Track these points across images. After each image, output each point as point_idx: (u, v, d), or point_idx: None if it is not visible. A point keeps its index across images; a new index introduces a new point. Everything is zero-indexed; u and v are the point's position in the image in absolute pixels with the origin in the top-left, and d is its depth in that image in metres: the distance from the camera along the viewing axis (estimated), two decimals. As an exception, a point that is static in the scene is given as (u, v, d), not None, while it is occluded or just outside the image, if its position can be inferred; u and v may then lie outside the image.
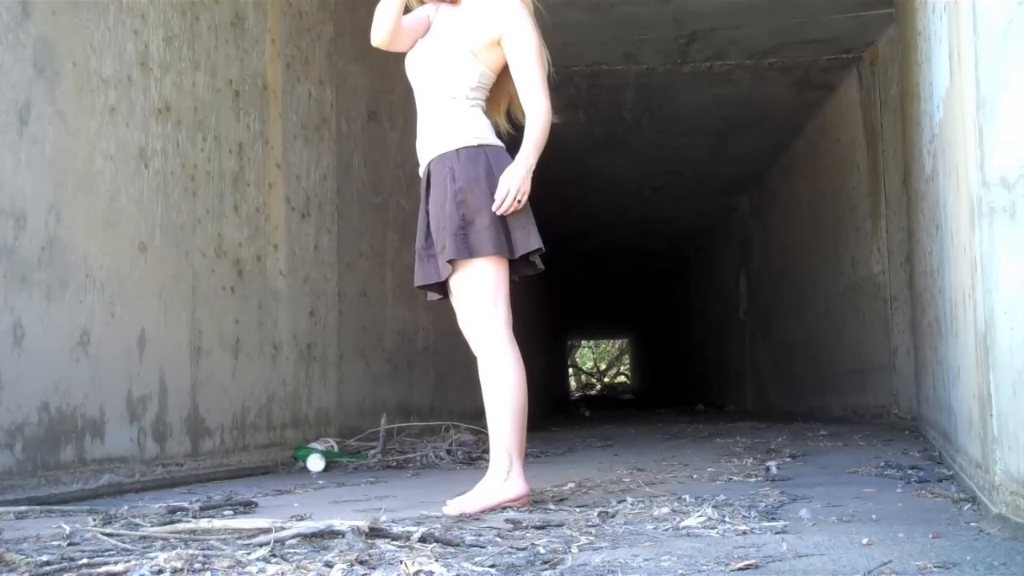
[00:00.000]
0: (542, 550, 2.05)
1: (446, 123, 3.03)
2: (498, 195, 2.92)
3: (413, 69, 3.14)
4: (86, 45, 3.56)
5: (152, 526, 2.43)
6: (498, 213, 2.92)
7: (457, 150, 2.99)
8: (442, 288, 3.07)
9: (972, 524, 2.31)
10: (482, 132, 3.03)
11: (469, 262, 2.94)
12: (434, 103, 3.07)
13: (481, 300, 2.96)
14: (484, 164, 2.96)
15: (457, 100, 3.03)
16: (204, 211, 4.26)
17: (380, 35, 3.11)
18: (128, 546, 2.13)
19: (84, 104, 3.54)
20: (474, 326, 2.99)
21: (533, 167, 2.97)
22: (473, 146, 2.99)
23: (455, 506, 2.81)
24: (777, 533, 2.24)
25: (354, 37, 5.84)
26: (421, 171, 3.11)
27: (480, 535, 2.29)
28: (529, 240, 2.97)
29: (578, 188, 11.47)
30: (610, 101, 8.66)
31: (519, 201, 2.93)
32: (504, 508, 2.81)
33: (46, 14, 3.37)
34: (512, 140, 3.11)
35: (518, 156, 2.97)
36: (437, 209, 2.98)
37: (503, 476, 2.88)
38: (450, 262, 2.94)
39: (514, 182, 2.92)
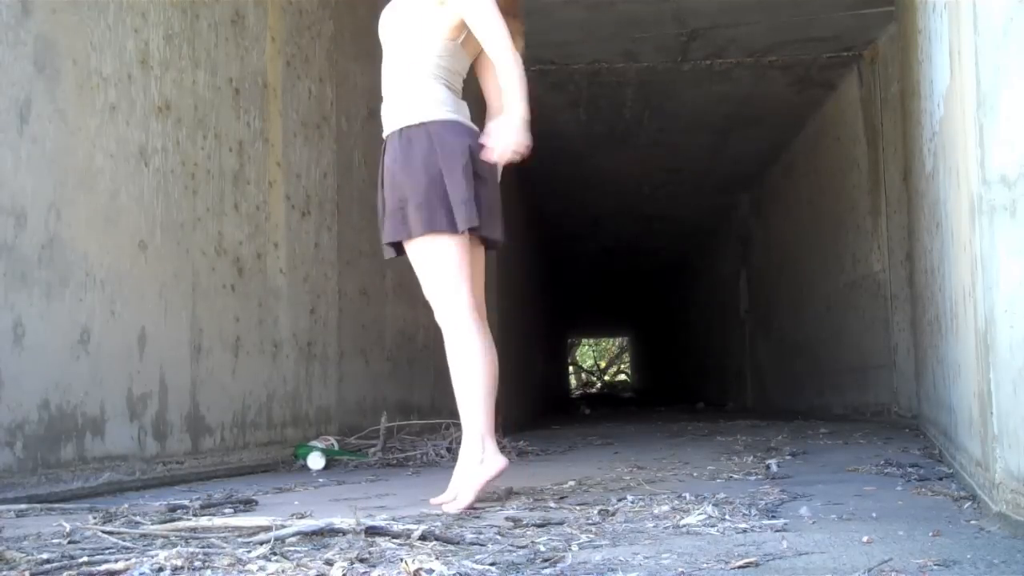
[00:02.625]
0: (542, 548, 2.05)
1: (400, 96, 3.02)
2: (494, 151, 2.90)
3: (384, 28, 3.14)
4: (86, 43, 3.56)
5: (152, 524, 2.43)
6: (500, 163, 2.94)
7: (400, 130, 2.99)
8: (399, 249, 3.09)
9: (972, 522, 2.31)
10: (428, 108, 2.97)
11: (416, 240, 2.96)
12: (396, 68, 3.06)
13: (440, 280, 2.98)
14: (423, 144, 2.93)
15: (418, 68, 3.01)
16: (204, 209, 4.26)
17: None
18: (128, 544, 2.13)
19: (84, 102, 3.53)
20: (436, 306, 3.03)
21: (526, 117, 2.90)
22: (414, 124, 2.96)
23: (452, 506, 2.82)
24: (777, 531, 2.24)
25: (354, 35, 5.83)
26: (384, 135, 3.10)
27: (480, 533, 2.28)
28: (493, 226, 2.98)
29: (578, 186, 11.45)
30: (610, 99, 8.66)
31: (519, 154, 2.91)
32: (494, 487, 2.87)
33: (46, 12, 3.36)
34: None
35: (506, 110, 2.92)
36: (384, 187, 3.04)
37: (478, 459, 2.91)
38: (393, 244, 3.01)
39: (510, 136, 2.88)
